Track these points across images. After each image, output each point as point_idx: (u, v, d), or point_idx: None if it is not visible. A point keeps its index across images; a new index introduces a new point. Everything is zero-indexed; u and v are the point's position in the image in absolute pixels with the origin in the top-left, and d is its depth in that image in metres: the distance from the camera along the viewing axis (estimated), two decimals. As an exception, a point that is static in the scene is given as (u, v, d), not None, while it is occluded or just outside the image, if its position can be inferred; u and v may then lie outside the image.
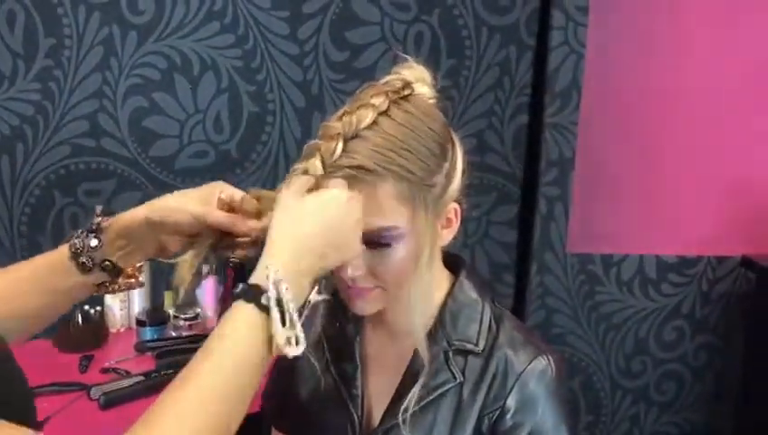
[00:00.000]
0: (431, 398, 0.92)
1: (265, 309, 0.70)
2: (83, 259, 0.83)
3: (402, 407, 0.91)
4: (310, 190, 0.79)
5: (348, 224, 0.78)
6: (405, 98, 0.86)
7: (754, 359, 2.12)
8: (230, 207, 0.85)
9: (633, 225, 2.11)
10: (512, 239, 2.08)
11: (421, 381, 0.91)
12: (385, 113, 0.83)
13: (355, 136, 0.81)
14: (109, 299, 1.81)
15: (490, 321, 0.95)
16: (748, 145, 2.08)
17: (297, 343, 0.71)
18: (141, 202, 2.03)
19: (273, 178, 1.95)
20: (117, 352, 1.71)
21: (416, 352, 0.94)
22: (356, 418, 0.96)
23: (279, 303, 0.70)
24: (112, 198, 1.88)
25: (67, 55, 1.78)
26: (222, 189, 0.85)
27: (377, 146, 0.81)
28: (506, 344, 0.94)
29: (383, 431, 0.95)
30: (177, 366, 1.72)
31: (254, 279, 0.72)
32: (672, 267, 2.13)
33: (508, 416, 0.91)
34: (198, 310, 1.84)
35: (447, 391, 0.92)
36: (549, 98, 1.95)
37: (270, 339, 0.70)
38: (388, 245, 0.84)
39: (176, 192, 0.87)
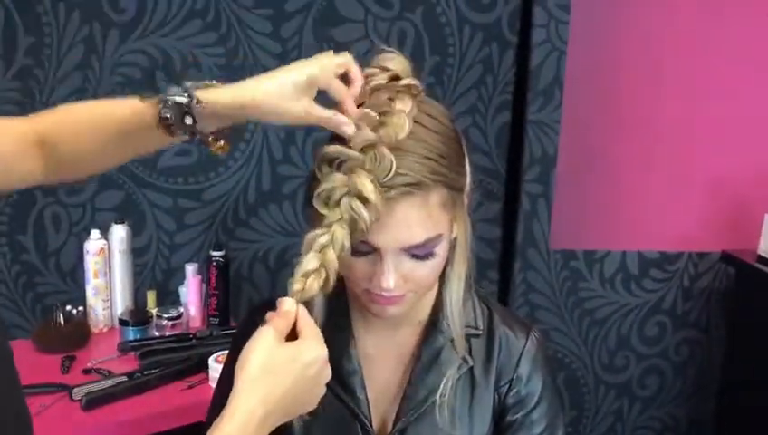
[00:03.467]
0: (449, 387, 0.94)
1: None
2: (174, 130, 0.81)
3: (437, 397, 0.93)
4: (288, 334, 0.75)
5: (321, 386, 0.77)
6: (416, 97, 0.83)
7: (735, 353, 2.15)
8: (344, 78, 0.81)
9: (615, 221, 2.13)
10: (496, 236, 2.09)
11: (452, 369, 0.93)
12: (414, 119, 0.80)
13: (398, 146, 0.78)
14: (91, 299, 1.79)
15: (480, 303, 0.99)
16: (727, 141, 2.10)
17: None
18: (124, 202, 2.01)
19: (257, 176, 1.94)
20: (99, 353, 1.70)
21: (423, 343, 0.95)
22: (367, 423, 0.94)
23: None
24: (94, 197, 1.87)
25: (47, 54, 1.77)
26: (321, 82, 0.80)
27: (421, 157, 0.79)
28: (502, 322, 0.99)
29: (399, 432, 0.94)
30: (160, 366, 1.71)
31: (221, 429, 0.69)
32: (654, 263, 2.15)
33: (520, 387, 0.97)
34: (181, 309, 1.83)
35: (461, 376, 0.95)
36: (531, 95, 1.96)
37: None
38: (431, 254, 0.83)
39: (271, 79, 0.80)
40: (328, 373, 0.77)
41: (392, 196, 0.78)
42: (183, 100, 0.79)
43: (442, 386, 0.93)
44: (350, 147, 0.78)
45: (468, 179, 0.88)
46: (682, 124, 2.08)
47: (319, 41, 1.89)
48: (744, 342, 2.09)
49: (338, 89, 0.81)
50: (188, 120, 0.80)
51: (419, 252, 0.82)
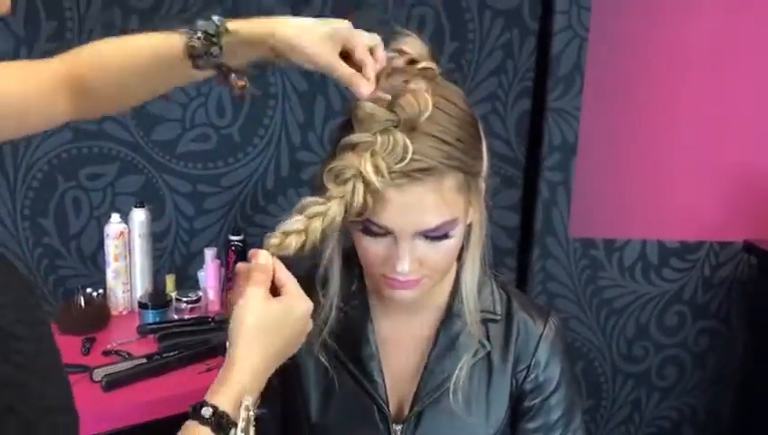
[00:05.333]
0: (464, 372, 0.94)
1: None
2: (201, 61, 0.82)
3: (452, 382, 0.93)
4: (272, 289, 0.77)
5: (305, 334, 0.79)
6: (433, 80, 0.83)
7: (756, 344, 2.12)
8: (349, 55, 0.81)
9: (635, 210, 2.11)
10: (514, 224, 2.08)
11: (468, 355, 0.94)
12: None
13: (413, 129, 0.78)
14: (111, 282, 1.81)
15: (499, 288, 1.00)
16: (752, 130, 2.07)
17: None
18: (144, 187, 2.03)
19: (275, 161, 1.95)
20: (119, 335, 1.72)
21: (441, 328, 0.96)
22: (384, 406, 0.95)
23: (245, 431, 0.70)
24: (115, 181, 1.88)
25: (69, 38, 1.78)
26: (347, 37, 0.81)
27: (437, 141, 0.79)
28: (520, 308, 0.99)
29: (416, 415, 0.95)
30: (179, 349, 1.73)
31: (223, 399, 0.70)
32: (674, 253, 2.13)
33: (538, 372, 0.97)
34: (200, 293, 1.84)
35: (478, 361, 0.95)
36: (552, 82, 1.94)
37: None
38: (446, 236, 0.83)
39: (299, 24, 0.81)
40: (311, 324, 0.79)
41: (404, 181, 0.77)
42: (211, 29, 0.81)
43: (457, 371, 0.93)
44: (366, 129, 0.78)
45: (485, 164, 0.88)
46: (704, 111, 2.05)
47: (338, 26, 1.88)
48: (765, 332, 2.07)
49: (363, 53, 0.81)
50: (215, 51, 0.81)
51: (434, 234, 0.82)
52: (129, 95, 0.90)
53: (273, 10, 1.84)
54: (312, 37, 0.80)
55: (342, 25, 0.81)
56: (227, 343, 0.74)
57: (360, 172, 0.77)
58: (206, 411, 0.69)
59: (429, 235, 0.82)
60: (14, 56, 1.76)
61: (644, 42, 2.00)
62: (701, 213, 2.12)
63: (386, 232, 0.82)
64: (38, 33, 1.76)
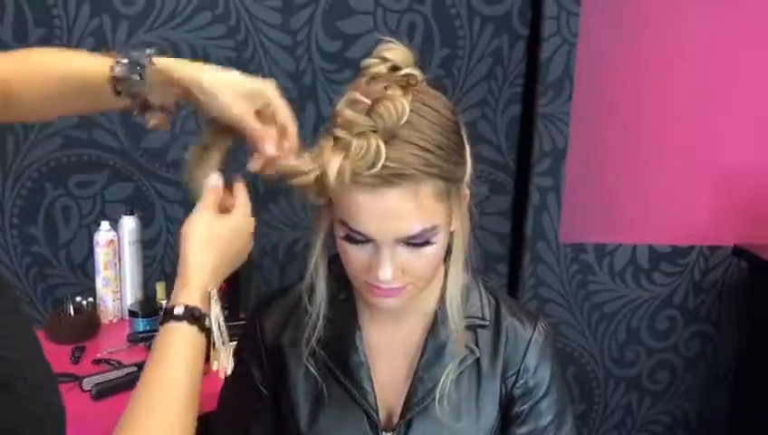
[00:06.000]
0: (454, 377, 0.94)
1: (206, 331, 0.75)
2: (120, 87, 0.82)
3: (438, 390, 0.93)
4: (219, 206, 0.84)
5: (246, 241, 0.86)
6: (414, 87, 0.84)
7: (747, 348, 2.13)
8: (262, 115, 0.84)
9: (626, 214, 2.12)
10: (505, 230, 2.08)
11: (453, 362, 0.94)
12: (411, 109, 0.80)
13: (393, 136, 0.79)
14: (101, 290, 1.80)
15: (487, 294, 1.00)
16: (740, 134, 2.08)
17: (228, 362, 0.78)
18: (134, 194, 2.02)
19: (265, 168, 1.94)
20: (109, 343, 1.71)
21: (429, 335, 0.95)
22: (373, 414, 0.94)
23: (218, 319, 0.77)
24: (104, 189, 1.88)
25: (57, 45, 1.77)
26: (271, 99, 0.84)
27: (415, 148, 0.79)
28: (509, 313, 0.99)
29: (406, 423, 0.94)
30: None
31: (190, 299, 0.75)
32: (665, 257, 2.14)
33: (527, 377, 0.97)
34: (191, 301, 1.83)
35: (467, 367, 0.95)
36: (541, 88, 1.95)
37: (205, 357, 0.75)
38: (427, 243, 0.83)
39: (222, 75, 0.83)
40: (251, 226, 0.87)
41: (378, 183, 0.78)
42: (141, 59, 0.81)
43: (443, 378, 0.93)
44: (353, 123, 0.80)
45: (469, 170, 0.88)
46: (694, 117, 2.06)
47: (328, 33, 1.88)
48: (755, 336, 2.08)
49: (286, 118, 0.84)
50: (135, 77, 0.81)
51: (415, 241, 0.82)
52: (50, 108, 0.91)
53: (263, 17, 1.84)
54: (228, 90, 0.81)
55: (266, 86, 0.83)
56: (180, 258, 0.79)
57: (325, 169, 0.79)
58: (178, 310, 0.74)
59: (410, 242, 0.82)
60: (3, 64, 1.75)
61: (633, 47, 2.01)
62: (691, 217, 2.13)
63: (367, 239, 0.82)
64: (26, 40, 1.76)
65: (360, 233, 0.82)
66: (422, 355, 0.95)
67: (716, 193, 2.12)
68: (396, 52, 0.85)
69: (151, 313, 1.77)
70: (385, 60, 0.84)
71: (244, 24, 1.85)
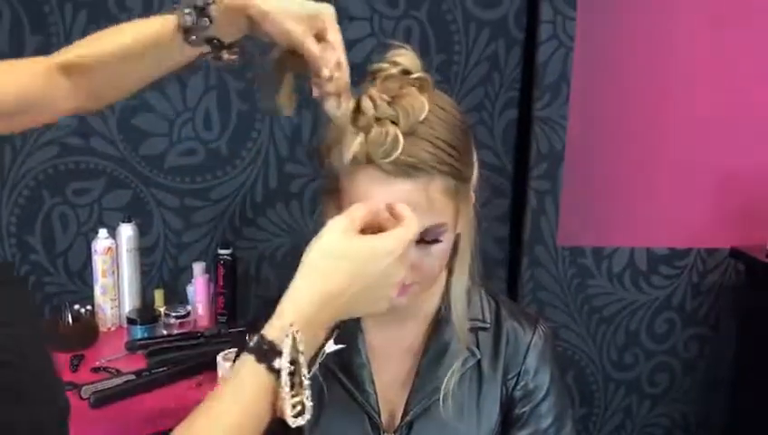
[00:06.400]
0: (457, 377, 0.95)
1: (276, 372, 0.64)
2: (193, 36, 0.85)
3: (442, 391, 0.93)
4: (364, 226, 0.72)
5: (390, 285, 0.71)
6: (426, 89, 0.86)
7: (745, 349, 2.13)
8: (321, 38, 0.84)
9: (623, 217, 2.12)
10: (504, 234, 2.08)
11: (457, 363, 0.94)
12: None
13: (411, 133, 0.80)
14: (99, 298, 1.80)
15: (488, 296, 1.01)
16: (737, 138, 2.09)
17: (303, 412, 0.65)
18: (131, 202, 2.02)
19: (264, 174, 1.94)
20: (107, 351, 1.70)
21: (431, 337, 0.96)
22: (375, 416, 0.95)
23: (293, 362, 0.64)
24: (102, 197, 1.87)
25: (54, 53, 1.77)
26: (326, 21, 0.84)
27: (430, 145, 0.81)
28: (509, 316, 1.00)
29: (407, 425, 0.95)
30: (168, 364, 1.71)
31: (271, 331, 0.65)
32: (662, 259, 2.14)
33: (527, 380, 0.98)
34: (189, 308, 1.83)
35: (468, 369, 0.96)
36: (538, 92, 1.95)
37: (276, 402, 0.64)
38: (436, 241, 0.84)
39: (289, 0, 0.84)
40: (401, 270, 0.70)
41: (391, 171, 0.79)
42: (200, 2, 0.83)
43: (446, 379, 0.93)
44: (364, 112, 0.81)
45: (476, 172, 0.89)
46: (690, 120, 2.06)
47: (325, 39, 1.88)
48: (753, 338, 2.08)
49: (336, 37, 0.84)
50: (204, 22, 0.83)
51: (425, 237, 0.83)
52: (128, 78, 0.92)
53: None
54: (290, 13, 0.82)
55: (325, 11, 0.84)
56: None
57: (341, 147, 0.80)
58: (253, 341, 0.65)
59: (420, 239, 0.82)
60: (-1, 72, 1.75)
61: (630, 50, 2.01)
62: (688, 220, 2.13)
63: None
64: (23, 47, 1.76)
65: None
66: (424, 357, 0.96)
67: (713, 195, 2.12)
68: (406, 57, 0.87)
69: (149, 320, 1.77)
70: (396, 64, 0.86)
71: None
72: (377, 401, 0.95)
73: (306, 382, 0.65)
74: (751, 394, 2.10)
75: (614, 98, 2.04)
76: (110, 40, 0.89)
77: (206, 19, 0.83)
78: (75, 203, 1.87)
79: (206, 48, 0.87)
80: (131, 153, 1.87)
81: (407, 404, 0.95)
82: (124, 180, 1.88)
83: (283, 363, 0.63)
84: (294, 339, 0.64)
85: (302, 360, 0.64)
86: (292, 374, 0.64)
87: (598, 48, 2.00)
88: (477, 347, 0.97)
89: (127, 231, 1.81)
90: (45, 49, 1.74)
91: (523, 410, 0.98)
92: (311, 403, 0.66)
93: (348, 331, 0.95)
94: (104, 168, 1.87)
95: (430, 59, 1.92)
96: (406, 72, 0.85)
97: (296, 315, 0.65)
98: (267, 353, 0.64)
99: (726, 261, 2.15)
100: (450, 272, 0.94)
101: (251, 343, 0.65)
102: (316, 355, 0.70)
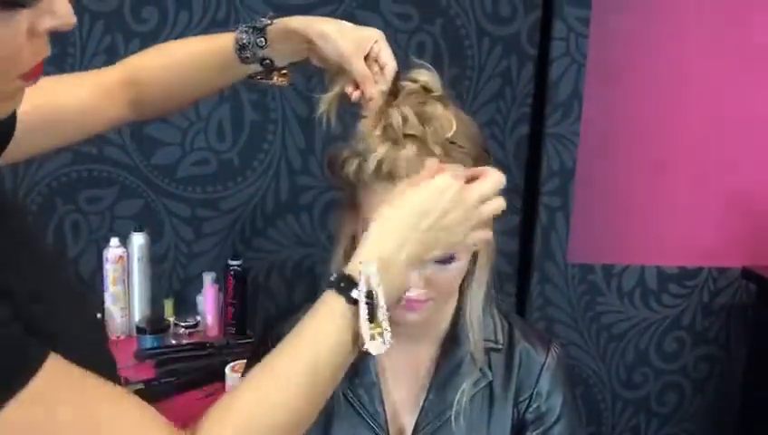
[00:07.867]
0: (465, 399, 0.94)
1: (354, 303, 0.68)
2: (247, 54, 0.91)
3: (454, 410, 0.93)
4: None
5: (461, 211, 0.75)
6: (448, 107, 0.88)
7: (756, 370, 2.12)
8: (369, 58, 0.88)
9: (634, 235, 2.11)
10: (513, 249, 2.08)
11: (468, 382, 0.94)
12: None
13: (440, 149, 0.82)
14: (110, 307, 1.80)
15: (500, 316, 1.00)
16: (749, 156, 2.08)
17: (384, 342, 0.68)
18: (143, 211, 2.03)
19: (275, 186, 1.95)
20: (117, 360, 1.69)
21: (442, 356, 0.96)
22: None
23: (369, 296, 0.67)
24: (114, 205, 1.88)
25: (70, 63, 1.79)
26: (377, 41, 0.89)
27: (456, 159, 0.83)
28: (522, 337, 0.99)
29: None
30: (177, 374, 1.71)
31: (349, 267, 0.70)
32: (673, 278, 2.13)
33: (540, 402, 0.97)
34: (199, 318, 1.84)
35: (479, 390, 0.95)
36: (550, 108, 1.95)
37: (356, 333, 0.68)
38: (452, 259, 0.85)
39: (337, 22, 0.90)
40: (469, 201, 0.76)
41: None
42: (259, 24, 0.91)
43: (458, 398, 0.92)
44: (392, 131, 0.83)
45: None
46: (702, 138, 2.06)
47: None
48: (764, 358, 2.06)
49: (386, 54, 0.88)
50: (261, 41, 0.90)
51: (442, 256, 0.82)
52: (183, 91, 0.97)
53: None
54: (345, 33, 0.88)
55: (375, 34, 0.89)
56: None
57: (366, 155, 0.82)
58: (333, 276, 0.70)
59: (437, 258, 0.82)
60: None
61: (642, 68, 2.01)
62: (699, 239, 2.12)
63: None
64: (40, 57, 1.77)
65: None
66: (435, 377, 0.95)
67: (725, 215, 2.11)
68: (427, 75, 0.89)
69: (159, 330, 1.77)
70: (416, 81, 0.88)
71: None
72: (386, 421, 0.95)
73: (385, 314, 0.68)
74: (760, 415, 2.08)
75: (626, 116, 2.04)
76: (174, 47, 0.97)
77: (263, 39, 0.90)
78: (87, 211, 1.88)
79: (258, 67, 0.92)
80: (144, 162, 1.88)
81: (416, 425, 0.95)
82: (136, 189, 1.89)
83: (360, 294, 0.67)
84: (370, 273, 0.68)
85: (380, 292, 0.68)
86: (370, 306, 0.67)
87: (610, 66, 2.00)
88: (489, 368, 0.96)
89: (138, 240, 1.82)
90: (61, 60, 1.77)
91: (535, 432, 0.97)
92: (390, 333, 0.68)
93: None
94: (117, 176, 1.88)
95: (443, 73, 1.92)
96: (426, 90, 0.86)
97: (372, 254, 0.70)
98: (345, 286, 0.68)
99: (738, 281, 2.14)
100: (462, 291, 0.94)
101: (330, 278, 0.69)
102: (400, 299, 0.74)
